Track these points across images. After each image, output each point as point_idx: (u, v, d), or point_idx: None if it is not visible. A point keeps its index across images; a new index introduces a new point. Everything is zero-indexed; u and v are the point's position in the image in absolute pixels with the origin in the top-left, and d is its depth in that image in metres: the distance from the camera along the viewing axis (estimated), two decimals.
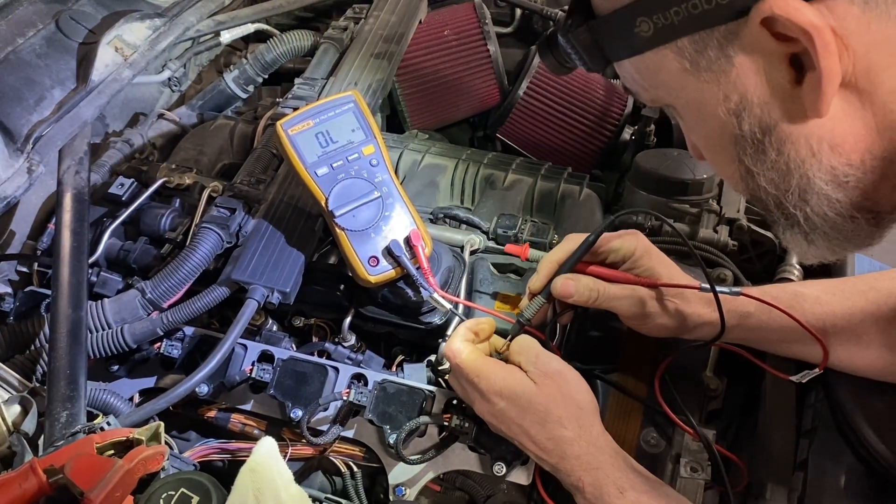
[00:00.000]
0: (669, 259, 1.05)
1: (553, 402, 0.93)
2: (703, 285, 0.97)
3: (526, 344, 0.98)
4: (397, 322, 1.22)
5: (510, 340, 1.01)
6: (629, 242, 1.03)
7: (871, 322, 1.01)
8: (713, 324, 1.00)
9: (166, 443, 0.95)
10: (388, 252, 1.11)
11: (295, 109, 1.19)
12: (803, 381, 1.03)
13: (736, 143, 0.69)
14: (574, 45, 0.73)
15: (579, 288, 1.02)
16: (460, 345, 0.99)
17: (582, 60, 0.75)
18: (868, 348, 1.01)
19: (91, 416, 1.01)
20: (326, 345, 1.22)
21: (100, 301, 1.15)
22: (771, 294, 1.02)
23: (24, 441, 0.94)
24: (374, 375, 1.12)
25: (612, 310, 1.04)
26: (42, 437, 0.96)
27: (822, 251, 0.74)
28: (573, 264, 1.03)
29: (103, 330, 1.12)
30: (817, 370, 1.02)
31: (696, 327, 1.04)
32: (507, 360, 1.00)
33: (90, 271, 1.21)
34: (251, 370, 1.12)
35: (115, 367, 1.18)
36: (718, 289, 0.96)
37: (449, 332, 1.18)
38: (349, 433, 1.10)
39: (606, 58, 0.72)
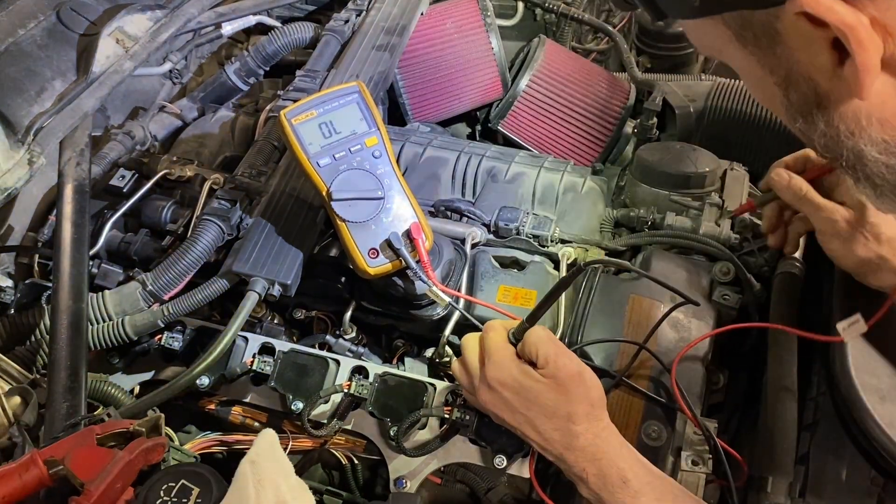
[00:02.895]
0: None
1: (564, 401, 0.93)
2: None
3: (544, 338, 0.97)
4: (398, 315, 1.22)
5: (516, 339, 1.00)
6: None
7: None
8: None
9: (167, 434, 0.95)
10: (388, 244, 1.11)
11: (295, 101, 1.19)
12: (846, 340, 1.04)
13: (787, 109, 0.70)
14: None
15: (793, 180, 1.08)
16: (500, 326, 1.00)
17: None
18: None
19: (91, 408, 1.01)
20: (327, 337, 1.22)
21: (100, 293, 1.15)
22: None
23: (25, 432, 0.94)
24: (375, 368, 1.12)
25: (810, 218, 1.09)
26: (42, 428, 0.96)
27: (892, 205, 0.74)
28: (547, 305, 1.00)
29: (104, 322, 1.13)
30: (862, 325, 1.02)
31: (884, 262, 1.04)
32: (519, 344, 0.99)
33: (91, 263, 1.21)
34: (252, 362, 1.12)
35: (116, 359, 1.18)
36: None
37: (449, 326, 1.18)
38: (349, 426, 1.10)
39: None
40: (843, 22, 0.56)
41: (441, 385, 1.09)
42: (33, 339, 1.15)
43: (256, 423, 1.13)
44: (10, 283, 1.27)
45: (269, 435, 0.89)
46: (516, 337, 0.99)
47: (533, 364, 0.96)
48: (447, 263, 1.21)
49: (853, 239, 1.04)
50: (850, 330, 1.00)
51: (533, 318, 0.98)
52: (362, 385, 1.08)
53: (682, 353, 1.08)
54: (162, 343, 1.17)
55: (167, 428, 0.96)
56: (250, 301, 1.11)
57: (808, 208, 1.09)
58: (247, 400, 1.15)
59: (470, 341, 1.02)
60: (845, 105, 0.65)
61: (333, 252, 1.24)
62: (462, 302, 1.19)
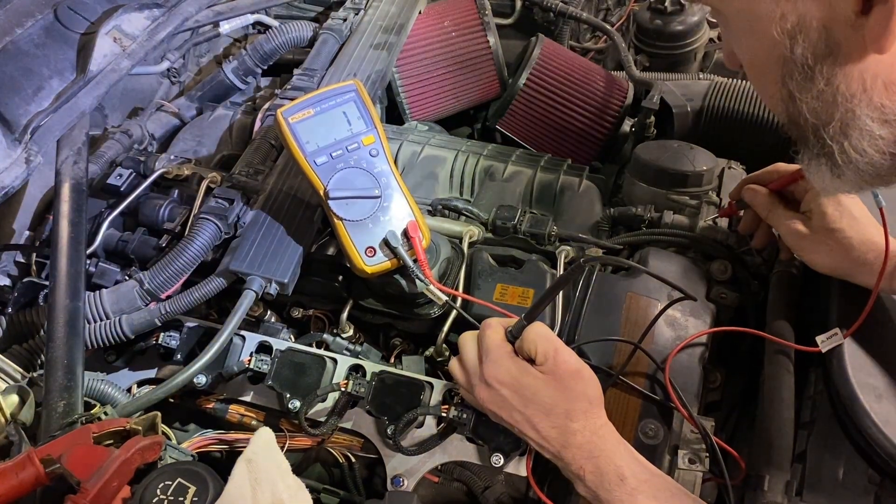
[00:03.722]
0: (863, 211, 1.04)
1: (562, 397, 0.93)
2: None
3: (543, 335, 0.97)
4: (395, 313, 1.22)
5: (513, 336, 1.00)
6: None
7: None
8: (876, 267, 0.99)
9: (163, 433, 0.95)
10: (385, 243, 1.11)
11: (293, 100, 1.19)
12: (823, 351, 1.04)
13: (784, 64, 0.67)
14: None
15: (759, 196, 1.12)
16: (498, 324, 1.00)
17: None
18: None
19: (88, 407, 1.01)
20: (325, 336, 1.22)
21: (98, 291, 1.15)
22: None
23: (22, 431, 0.93)
24: (373, 366, 1.12)
25: (778, 231, 1.12)
26: (39, 426, 0.96)
27: (846, 186, 0.73)
28: (545, 302, 1.00)
29: (101, 320, 1.13)
30: (840, 338, 1.03)
31: (861, 265, 1.04)
32: (517, 341, 0.99)
33: (88, 262, 1.21)
34: (249, 361, 1.12)
35: (114, 358, 1.18)
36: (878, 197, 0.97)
37: (447, 324, 1.18)
38: (347, 424, 1.10)
39: None
40: None
41: (438, 384, 1.09)
42: (31, 338, 1.15)
43: (254, 422, 1.13)
44: (7, 281, 1.27)
45: (266, 433, 0.89)
46: (514, 334, 0.99)
47: (531, 361, 0.96)
48: (444, 262, 1.21)
49: (818, 247, 1.05)
50: (828, 342, 1.03)
51: (531, 316, 0.98)
52: (360, 384, 1.08)
53: (675, 352, 1.08)
54: (159, 342, 1.17)
55: (164, 426, 0.96)
56: (247, 299, 1.11)
57: (775, 222, 1.11)
58: (244, 398, 1.15)
59: (467, 340, 1.02)
60: (854, 62, 0.62)
61: (331, 251, 1.24)
62: (459, 300, 1.19)
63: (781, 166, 1.14)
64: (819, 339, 1.04)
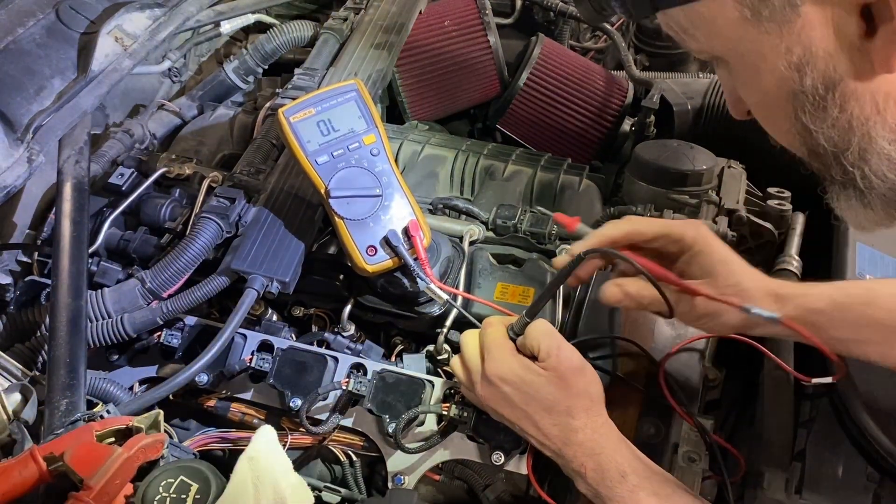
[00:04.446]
0: (734, 256, 0.96)
1: (564, 395, 0.93)
2: (745, 305, 0.88)
3: (546, 331, 0.97)
4: (396, 312, 1.23)
5: (515, 333, 1.00)
6: (688, 235, 0.95)
7: None
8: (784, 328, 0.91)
9: (166, 431, 0.95)
10: (386, 242, 1.11)
11: (294, 99, 1.19)
12: (809, 390, 1.03)
13: (795, 98, 0.66)
14: None
15: (630, 293, 0.96)
16: (499, 321, 1.00)
17: (624, 7, 0.70)
18: None
19: (91, 405, 1.01)
20: (326, 334, 1.22)
21: (100, 290, 1.16)
22: (845, 290, 0.94)
23: (24, 429, 0.94)
24: (374, 365, 1.12)
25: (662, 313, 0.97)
26: (42, 425, 0.96)
27: (879, 216, 0.71)
28: (546, 298, 0.98)
29: (103, 319, 1.13)
30: (830, 379, 1.00)
31: (762, 327, 0.96)
32: (519, 338, 0.99)
33: (90, 261, 1.21)
34: (251, 360, 1.12)
35: (115, 357, 1.19)
36: (754, 310, 0.87)
37: (447, 323, 1.19)
38: (348, 422, 1.11)
39: (655, 5, 0.68)
40: None
41: (439, 382, 1.10)
42: (33, 336, 1.15)
43: (255, 420, 1.14)
44: (10, 280, 1.27)
45: (268, 432, 0.90)
46: (516, 331, 0.99)
47: (533, 358, 0.97)
48: (445, 261, 1.21)
49: (720, 312, 0.93)
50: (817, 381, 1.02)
51: (532, 312, 0.98)
52: (361, 382, 1.08)
53: (672, 352, 1.08)
54: (161, 340, 1.17)
55: (166, 424, 0.96)
56: (249, 298, 1.12)
57: (654, 308, 0.97)
58: (245, 397, 1.15)
59: (469, 337, 1.02)
60: (864, 84, 0.62)
61: (332, 249, 1.24)
62: (460, 299, 1.19)
63: (635, 219, 1.00)
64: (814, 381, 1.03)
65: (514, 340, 0.99)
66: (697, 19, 0.67)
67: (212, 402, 1.15)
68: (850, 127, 0.65)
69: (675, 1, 0.66)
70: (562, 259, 0.99)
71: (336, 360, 1.13)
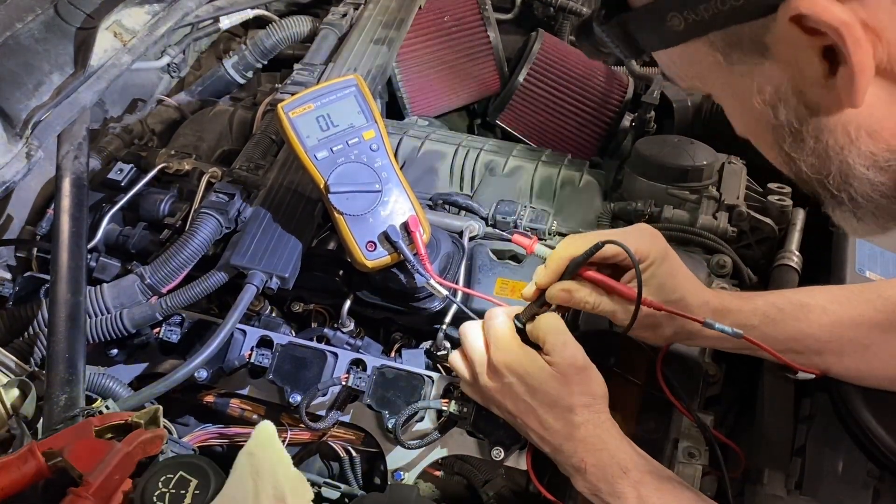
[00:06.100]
0: (685, 270, 1.01)
1: (567, 392, 0.93)
2: (707, 320, 0.92)
3: (553, 326, 0.97)
4: (396, 308, 1.23)
5: (522, 323, 1.00)
6: (643, 249, 0.97)
7: (878, 331, 0.98)
8: (718, 337, 0.95)
9: (165, 427, 0.95)
10: (386, 237, 1.11)
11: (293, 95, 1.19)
12: (799, 379, 1.05)
13: (774, 131, 0.68)
14: (609, 34, 0.74)
15: (575, 299, 0.99)
16: (504, 312, 1.00)
17: (618, 48, 0.75)
18: (876, 358, 0.98)
19: (90, 400, 1.01)
20: (325, 330, 1.22)
21: (99, 286, 1.16)
22: (777, 305, 1.00)
23: (24, 424, 0.94)
24: (373, 361, 1.12)
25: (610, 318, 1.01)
26: (41, 420, 0.96)
27: (871, 227, 0.73)
28: (572, 272, 0.98)
29: (102, 315, 1.13)
30: (812, 376, 1.02)
31: (699, 339, 1.03)
32: (526, 329, 0.99)
33: (89, 256, 1.21)
34: (250, 355, 1.12)
35: (114, 352, 1.18)
36: (717, 326, 0.91)
37: (447, 319, 1.18)
38: (347, 418, 1.11)
39: (639, 48, 0.73)
40: (839, 20, 0.55)
41: (439, 378, 1.10)
42: (31, 332, 1.15)
43: (254, 416, 1.14)
44: (8, 275, 1.27)
45: (268, 427, 0.89)
46: (523, 320, 0.99)
47: (538, 349, 0.97)
48: (445, 256, 1.21)
49: (663, 323, 1.00)
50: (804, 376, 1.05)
51: (541, 301, 0.98)
52: (360, 378, 1.08)
53: (666, 347, 1.08)
54: (160, 336, 1.17)
55: (165, 420, 0.96)
56: (248, 294, 1.12)
57: (605, 314, 1.01)
58: (245, 393, 1.15)
59: (471, 329, 1.02)
60: (835, 116, 0.64)
61: (331, 245, 1.24)
62: (460, 295, 1.19)
63: (590, 235, 1.00)
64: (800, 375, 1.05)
65: (519, 331, 0.99)
66: (679, 61, 0.72)
67: (211, 398, 1.15)
68: (828, 155, 0.67)
69: (656, 45, 0.71)
70: (528, 290, 1.03)
71: (335, 355, 1.13)
